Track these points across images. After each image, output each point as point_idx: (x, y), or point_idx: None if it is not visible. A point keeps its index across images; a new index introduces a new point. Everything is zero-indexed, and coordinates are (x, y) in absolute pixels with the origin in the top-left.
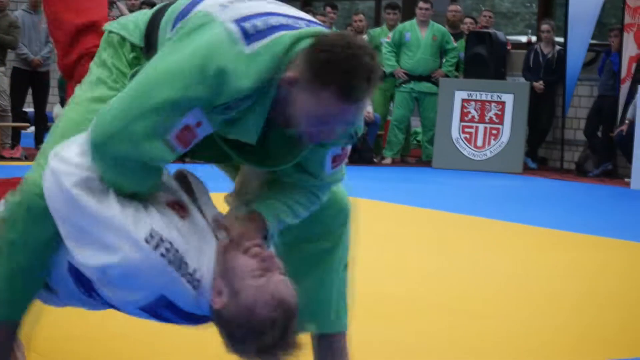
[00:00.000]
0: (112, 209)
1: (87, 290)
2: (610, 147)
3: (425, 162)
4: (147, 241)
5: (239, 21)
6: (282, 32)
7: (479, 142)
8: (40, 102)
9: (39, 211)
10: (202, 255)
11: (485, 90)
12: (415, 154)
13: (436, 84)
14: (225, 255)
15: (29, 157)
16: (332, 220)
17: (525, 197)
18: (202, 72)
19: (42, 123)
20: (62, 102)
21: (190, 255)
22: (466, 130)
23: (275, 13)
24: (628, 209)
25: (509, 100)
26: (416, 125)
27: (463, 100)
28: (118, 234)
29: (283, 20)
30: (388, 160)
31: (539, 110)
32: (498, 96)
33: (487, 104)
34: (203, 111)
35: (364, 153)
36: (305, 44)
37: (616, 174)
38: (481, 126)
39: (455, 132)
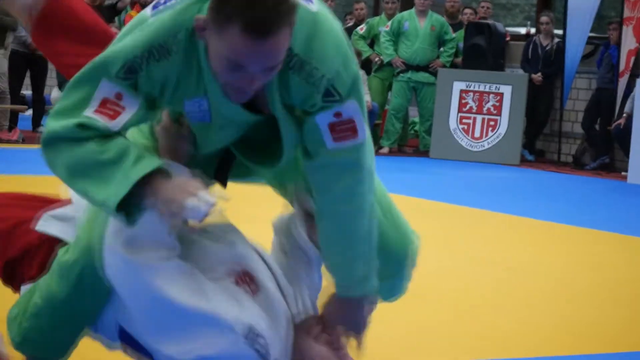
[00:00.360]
0: (207, 301)
1: (137, 350)
2: (607, 140)
3: (422, 152)
4: (246, 337)
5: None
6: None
7: (477, 133)
8: (39, 85)
9: (94, 278)
10: (278, 339)
11: (484, 82)
12: (413, 144)
13: (434, 74)
14: (302, 344)
15: (26, 139)
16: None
17: (522, 189)
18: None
19: (40, 106)
20: (60, 86)
21: (274, 345)
22: (464, 121)
23: None
24: (625, 203)
25: (507, 92)
26: (414, 115)
27: (461, 90)
28: (216, 328)
29: None
30: (385, 150)
31: (537, 102)
32: (496, 87)
33: (485, 95)
34: (110, 81)
35: None
36: None
37: (613, 167)
38: (479, 117)
39: (453, 123)
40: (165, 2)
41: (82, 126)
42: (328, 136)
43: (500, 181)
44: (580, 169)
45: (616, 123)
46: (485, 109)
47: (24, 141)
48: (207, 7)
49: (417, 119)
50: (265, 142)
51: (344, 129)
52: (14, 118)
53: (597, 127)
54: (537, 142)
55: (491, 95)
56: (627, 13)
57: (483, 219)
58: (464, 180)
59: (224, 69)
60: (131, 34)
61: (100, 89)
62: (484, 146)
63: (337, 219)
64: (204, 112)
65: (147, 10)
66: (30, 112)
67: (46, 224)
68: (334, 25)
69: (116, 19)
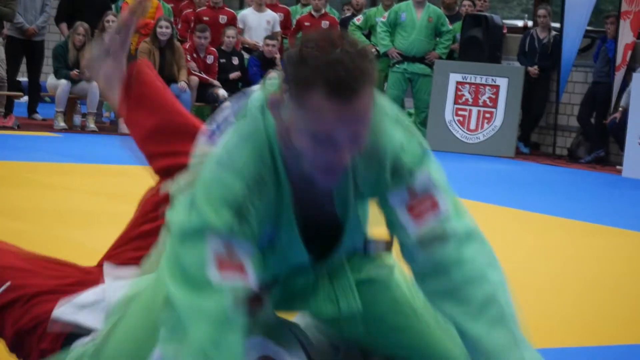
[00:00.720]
0: None
1: None
2: (603, 134)
3: None
4: None
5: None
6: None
7: (472, 125)
8: (35, 71)
9: None
10: None
11: (480, 74)
12: None
13: (430, 65)
14: None
15: (21, 126)
16: None
17: (517, 181)
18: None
19: (36, 92)
20: (56, 72)
21: None
22: (459, 112)
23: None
24: (619, 197)
25: (503, 84)
26: (410, 106)
27: (457, 82)
28: None
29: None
30: None
31: (532, 95)
32: (492, 80)
33: (482, 87)
34: (219, 234)
35: None
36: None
37: (608, 161)
38: (475, 109)
39: (448, 115)
40: (220, 127)
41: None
42: (407, 219)
43: (495, 173)
44: (575, 162)
45: (612, 117)
46: (481, 101)
47: (19, 127)
48: (280, 82)
49: (412, 111)
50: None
51: (423, 206)
52: (9, 104)
53: (592, 120)
54: (533, 135)
55: (487, 88)
56: (624, 7)
57: (478, 211)
58: (459, 172)
59: (309, 146)
60: (210, 176)
61: (210, 244)
62: (479, 138)
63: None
64: (271, 243)
65: (203, 142)
66: (25, 98)
67: (67, 313)
68: (386, 106)
69: (113, 6)
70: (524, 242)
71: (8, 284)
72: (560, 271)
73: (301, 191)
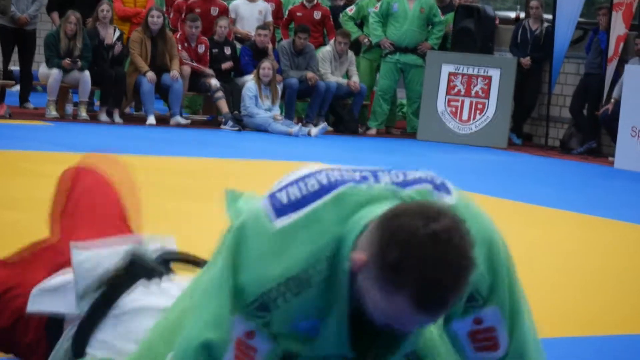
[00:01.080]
0: None
1: None
2: (595, 125)
3: (410, 134)
4: None
5: (272, 194)
6: (325, 200)
7: (465, 116)
8: (26, 60)
9: None
10: None
11: (472, 65)
12: (401, 126)
13: (422, 56)
14: None
15: (13, 115)
16: None
17: (510, 172)
18: (226, 271)
19: (28, 81)
20: (48, 61)
21: None
22: (452, 103)
23: (321, 171)
24: (611, 188)
25: (495, 75)
26: (402, 96)
27: (450, 73)
28: None
29: (332, 177)
30: (373, 131)
31: (525, 86)
32: (485, 70)
33: (474, 78)
34: (244, 317)
35: (349, 123)
36: (371, 212)
37: (600, 152)
38: (467, 100)
39: (440, 105)
40: (292, 205)
41: None
42: (469, 346)
43: (487, 164)
44: (567, 153)
45: (604, 108)
46: (473, 92)
47: (10, 116)
48: (370, 245)
49: (404, 101)
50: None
51: (484, 338)
52: (1, 93)
53: (584, 112)
54: (525, 126)
55: (479, 79)
56: None
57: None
58: (451, 162)
59: (379, 317)
60: (256, 248)
61: (236, 325)
62: (471, 129)
63: None
64: (314, 331)
65: (265, 210)
66: (17, 87)
67: (37, 302)
68: (476, 218)
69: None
70: (515, 233)
71: None
72: (552, 262)
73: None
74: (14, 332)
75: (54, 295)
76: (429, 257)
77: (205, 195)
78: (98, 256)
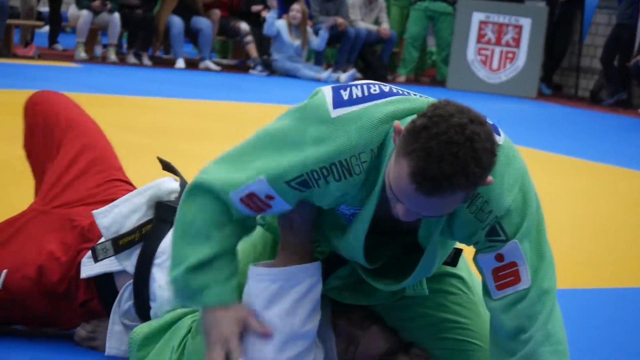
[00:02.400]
0: None
1: None
2: (625, 76)
3: (439, 82)
4: None
5: (337, 88)
6: (381, 101)
7: (495, 65)
8: (56, 1)
9: None
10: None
11: (503, 13)
12: (430, 74)
13: (452, 3)
14: None
15: (42, 56)
16: None
17: (539, 122)
18: (279, 142)
19: (57, 22)
20: (78, 3)
21: None
22: (482, 52)
23: (386, 84)
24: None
25: (526, 24)
26: (433, 44)
27: (480, 22)
28: None
29: (393, 88)
30: (402, 79)
31: (556, 36)
32: (516, 19)
33: (505, 26)
34: (271, 185)
35: (378, 70)
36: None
37: (630, 104)
38: (497, 49)
39: (470, 54)
40: (351, 101)
41: (223, 203)
42: (492, 285)
43: (516, 114)
44: (596, 104)
45: (635, 60)
46: (503, 40)
47: (39, 57)
48: (407, 126)
49: (434, 49)
50: (395, 257)
51: (506, 274)
52: (30, 34)
53: (615, 63)
54: (555, 76)
55: (510, 27)
56: None
57: None
58: (481, 111)
59: (389, 189)
60: (312, 132)
61: (255, 184)
62: (501, 78)
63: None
64: (351, 217)
65: (328, 99)
66: (46, 28)
67: (88, 267)
68: (515, 159)
69: None
70: (542, 182)
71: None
72: (580, 212)
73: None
74: (66, 301)
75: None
76: (445, 139)
77: (232, 139)
78: (120, 215)
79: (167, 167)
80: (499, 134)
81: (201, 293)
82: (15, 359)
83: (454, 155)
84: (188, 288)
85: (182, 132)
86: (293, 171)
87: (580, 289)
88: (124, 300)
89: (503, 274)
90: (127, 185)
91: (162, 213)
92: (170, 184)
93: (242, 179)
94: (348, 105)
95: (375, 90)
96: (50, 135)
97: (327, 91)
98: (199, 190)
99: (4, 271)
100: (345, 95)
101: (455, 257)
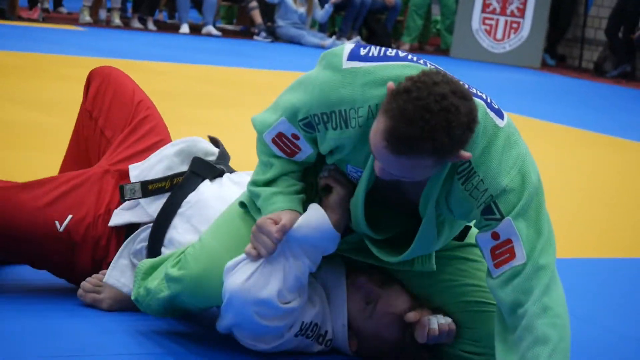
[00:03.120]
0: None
1: None
2: (630, 48)
3: (443, 50)
4: (296, 335)
5: (358, 45)
6: (392, 63)
7: (499, 35)
8: None
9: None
10: (326, 316)
11: None
12: (434, 42)
13: None
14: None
15: (46, 19)
16: None
17: (542, 93)
18: (298, 83)
19: None
20: None
21: (326, 324)
22: (487, 21)
23: (404, 51)
24: None
25: None
26: (437, 13)
27: None
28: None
29: (410, 55)
30: (406, 47)
31: (560, 6)
32: None
33: None
34: (290, 123)
35: (382, 38)
36: None
37: (634, 76)
38: (502, 19)
39: (475, 23)
40: (366, 57)
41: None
42: (491, 263)
43: (520, 84)
44: (600, 76)
45: (639, 32)
46: (508, 10)
47: (44, 20)
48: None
49: (439, 17)
50: (401, 232)
51: (502, 252)
52: None
53: (620, 34)
54: (559, 47)
55: None
56: None
57: None
58: (484, 81)
59: (370, 144)
60: (322, 77)
61: (280, 124)
62: (505, 48)
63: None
64: (358, 179)
65: (345, 51)
66: None
67: (118, 216)
68: (517, 144)
69: None
70: (545, 153)
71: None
72: (584, 184)
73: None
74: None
75: (132, 210)
76: (422, 104)
77: (235, 104)
78: (149, 165)
79: (214, 141)
80: (502, 118)
81: (269, 200)
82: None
83: (426, 121)
84: (257, 196)
85: (186, 96)
86: (301, 111)
87: (581, 259)
88: (139, 240)
89: (500, 252)
90: None
91: (196, 167)
92: (208, 145)
93: (271, 120)
94: (361, 60)
95: (391, 53)
96: (122, 107)
97: (349, 45)
98: (254, 127)
99: (69, 216)
100: (362, 52)
101: (463, 233)
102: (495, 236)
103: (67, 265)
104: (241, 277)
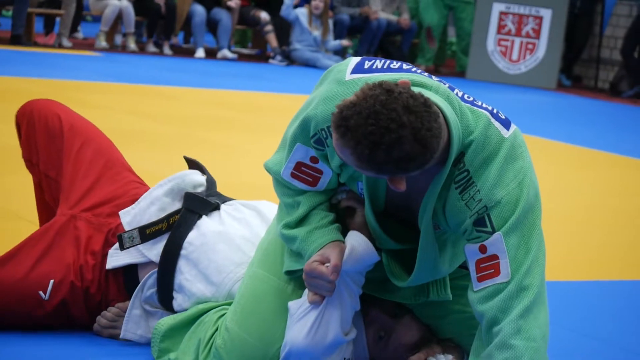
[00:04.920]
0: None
1: None
2: None
3: (459, 72)
4: None
5: (366, 57)
6: (394, 74)
7: (514, 56)
8: None
9: None
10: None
11: (524, 4)
12: (450, 64)
13: None
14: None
15: (62, 44)
16: None
17: (558, 113)
18: (299, 112)
19: (78, 11)
20: None
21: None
22: (502, 43)
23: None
24: None
25: (547, 15)
26: (453, 35)
27: (500, 12)
28: None
29: (415, 67)
30: (422, 68)
31: (576, 27)
32: (536, 10)
33: (525, 17)
34: (306, 146)
35: (398, 60)
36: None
37: None
38: (517, 40)
39: (490, 45)
40: (369, 70)
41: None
42: (474, 276)
43: (536, 105)
44: (616, 96)
45: None
46: (524, 32)
47: (60, 46)
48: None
49: (454, 39)
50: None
51: (486, 266)
52: (51, 23)
53: (635, 54)
54: (575, 68)
55: (530, 18)
56: None
57: None
58: (500, 102)
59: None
60: (326, 91)
61: (295, 152)
62: (521, 69)
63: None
64: (361, 193)
65: (350, 65)
66: None
67: (114, 258)
68: (521, 157)
69: None
70: (563, 174)
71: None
72: (600, 204)
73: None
74: (100, 304)
75: (126, 251)
76: (379, 107)
77: (251, 128)
78: (140, 210)
79: (193, 164)
80: (508, 129)
81: (307, 240)
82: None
83: (367, 124)
84: (293, 240)
85: (202, 121)
86: (311, 127)
87: (601, 281)
88: (147, 287)
89: (484, 266)
90: (143, 185)
91: (191, 204)
92: (195, 176)
93: (284, 156)
94: (364, 72)
95: (394, 65)
96: (54, 141)
97: (355, 59)
98: (268, 172)
99: (51, 282)
100: (367, 64)
101: None
102: (483, 249)
103: (64, 321)
104: (303, 331)
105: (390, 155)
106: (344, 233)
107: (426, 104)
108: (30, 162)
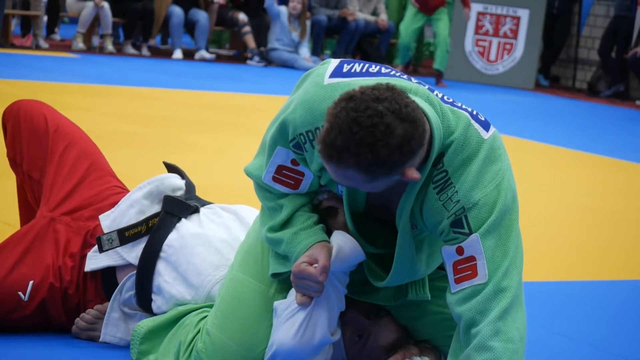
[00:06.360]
0: None
1: None
2: (623, 68)
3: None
4: None
5: (345, 60)
6: (373, 78)
7: (492, 56)
8: None
9: None
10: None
11: (501, 4)
12: (428, 65)
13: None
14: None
15: (39, 46)
16: None
17: (536, 113)
18: (276, 117)
19: (55, 13)
20: None
21: None
22: (480, 43)
23: (391, 68)
24: (637, 132)
25: (524, 16)
26: (430, 35)
27: (478, 13)
28: None
29: (393, 70)
30: (399, 69)
31: (554, 27)
32: (514, 11)
33: (503, 18)
34: (286, 149)
35: (376, 61)
36: None
37: (628, 95)
38: (495, 40)
39: (468, 45)
40: (348, 74)
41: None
42: (452, 277)
43: (514, 105)
44: (594, 96)
45: (632, 51)
46: (501, 32)
47: (37, 47)
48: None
49: (432, 40)
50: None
51: (464, 268)
52: (27, 24)
53: (613, 54)
54: (553, 68)
55: (508, 19)
56: None
57: None
58: (478, 103)
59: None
60: (304, 94)
61: (276, 156)
62: (498, 69)
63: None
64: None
65: (329, 69)
66: (45, 18)
67: (92, 260)
68: (499, 159)
69: None
70: (541, 175)
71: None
72: (578, 204)
73: None
74: (78, 308)
75: (105, 253)
76: (354, 116)
77: (229, 129)
78: (120, 212)
79: (172, 168)
80: (488, 130)
81: (293, 242)
82: (10, 354)
83: (353, 133)
84: (279, 242)
85: (180, 122)
86: (290, 131)
87: (564, 282)
88: (126, 289)
89: (462, 268)
90: (126, 190)
91: (170, 206)
92: (174, 180)
93: (264, 160)
94: (343, 76)
95: (373, 69)
96: (39, 142)
97: (334, 62)
98: (249, 177)
99: (30, 282)
100: (346, 68)
101: None
102: (460, 251)
103: (42, 322)
104: (291, 331)
105: (390, 145)
106: (327, 233)
107: (389, 87)
108: (14, 162)
